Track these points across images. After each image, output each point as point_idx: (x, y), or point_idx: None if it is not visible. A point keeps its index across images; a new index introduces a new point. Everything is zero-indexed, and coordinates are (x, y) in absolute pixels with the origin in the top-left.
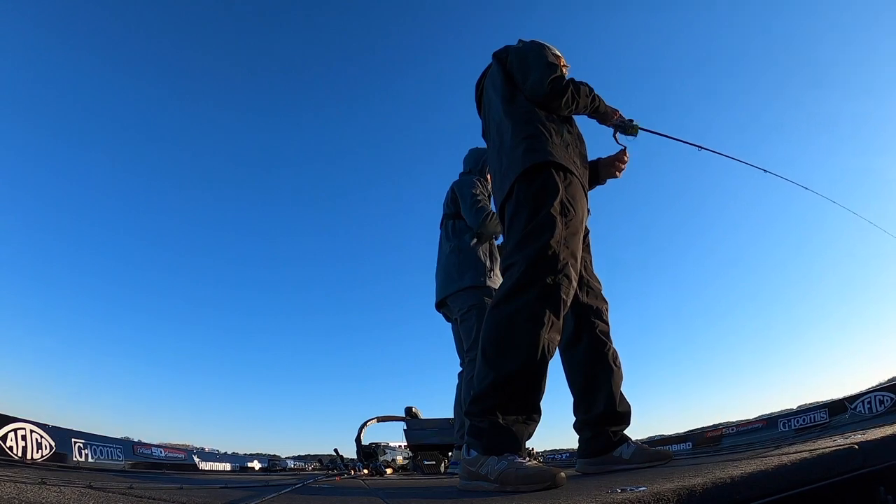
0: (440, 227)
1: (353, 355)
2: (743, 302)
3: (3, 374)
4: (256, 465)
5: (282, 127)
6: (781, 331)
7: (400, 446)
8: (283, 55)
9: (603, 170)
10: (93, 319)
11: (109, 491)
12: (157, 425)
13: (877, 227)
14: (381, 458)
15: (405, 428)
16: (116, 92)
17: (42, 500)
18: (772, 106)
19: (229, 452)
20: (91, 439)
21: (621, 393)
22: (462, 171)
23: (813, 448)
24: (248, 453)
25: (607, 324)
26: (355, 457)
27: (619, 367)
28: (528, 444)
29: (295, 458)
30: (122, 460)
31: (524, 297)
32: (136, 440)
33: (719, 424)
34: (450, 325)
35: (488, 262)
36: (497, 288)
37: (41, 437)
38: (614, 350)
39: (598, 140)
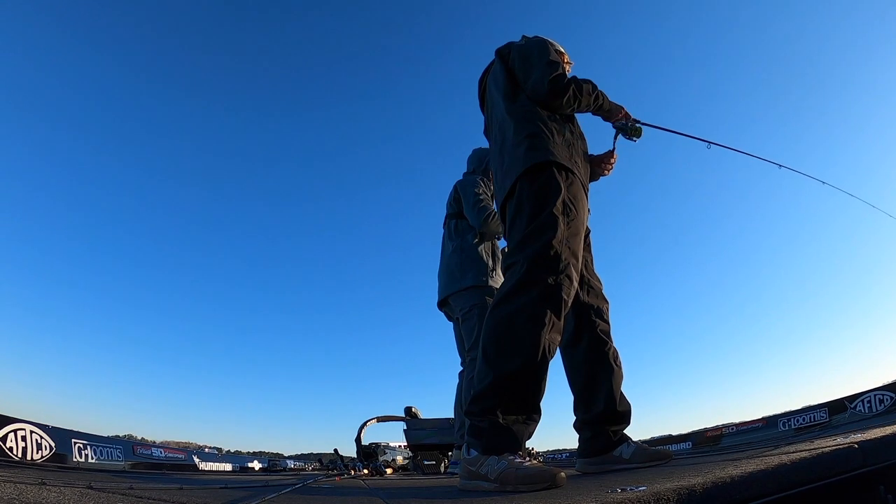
0: (443, 227)
1: (354, 355)
2: (748, 300)
3: (4, 375)
4: (256, 465)
5: (284, 126)
6: (787, 330)
7: (400, 446)
8: (286, 55)
9: (593, 168)
10: (94, 319)
11: (109, 491)
12: (159, 424)
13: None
14: (381, 458)
15: (405, 428)
16: (118, 90)
17: (42, 501)
18: (779, 101)
19: (232, 451)
20: (91, 440)
21: (621, 392)
22: (466, 170)
23: (813, 447)
24: (251, 451)
25: (608, 323)
26: (355, 457)
27: (620, 367)
28: (528, 444)
29: (297, 458)
30: (122, 461)
31: (525, 297)
32: (139, 438)
33: (719, 424)
34: (451, 324)
35: (490, 262)
36: (498, 287)
37: (41, 437)
38: (615, 349)
39: (600, 138)
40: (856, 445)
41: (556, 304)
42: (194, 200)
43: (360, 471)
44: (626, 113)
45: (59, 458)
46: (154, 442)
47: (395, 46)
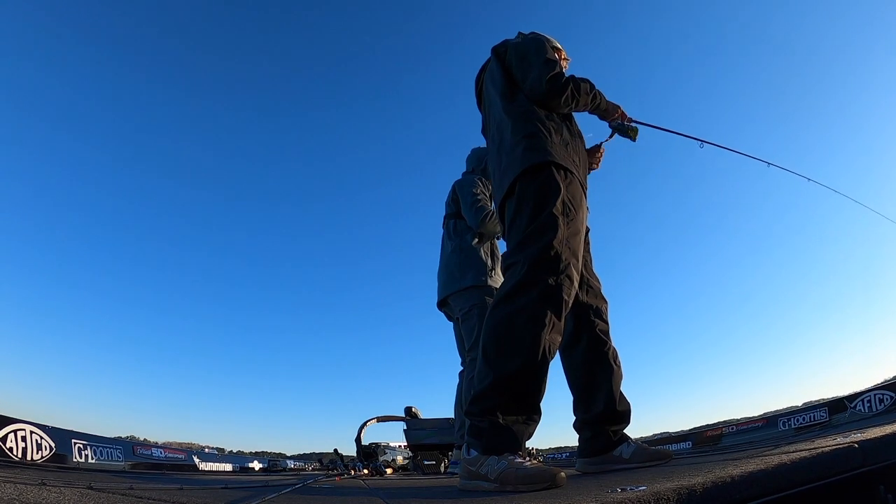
0: (442, 227)
1: (354, 355)
2: (747, 298)
3: (6, 376)
4: (256, 465)
5: (286, 128)
6: (786, 328)
7: (400, 446)
8: (286, 56)
9: None
10: (96, 320)
11: (109, 492)
12: (161, 425)
13: (884, 218)
14: (381, 458)
15: (405, 428)
16: (118, 90)
17: (42, 501)
18: (774, 100)
19: (234, 452)
20: (91, 440)
21: (621, 392)
22: (465, 170)
23: (813, 447)
24: (253, 452)
25: (607, 323)
26: (355, 456)
27: (619, 367)
28: (529, 444)
29: (299, 458)
30: (122, 461)
31: (525, 298)
32: (141, 440)
33: (719, 423)
34: (451, 324)
35: (490, 262)
36: (498, 287)
37: (41, 438)
38: (614, 349)
39: (598, 137)
40: (856, 445)
41: (556, 304)
42: (194, 201)
43: (360, 471)
44: (623, 112)
45: (59, 459)
46: (156, 443)
47: (393, 46)
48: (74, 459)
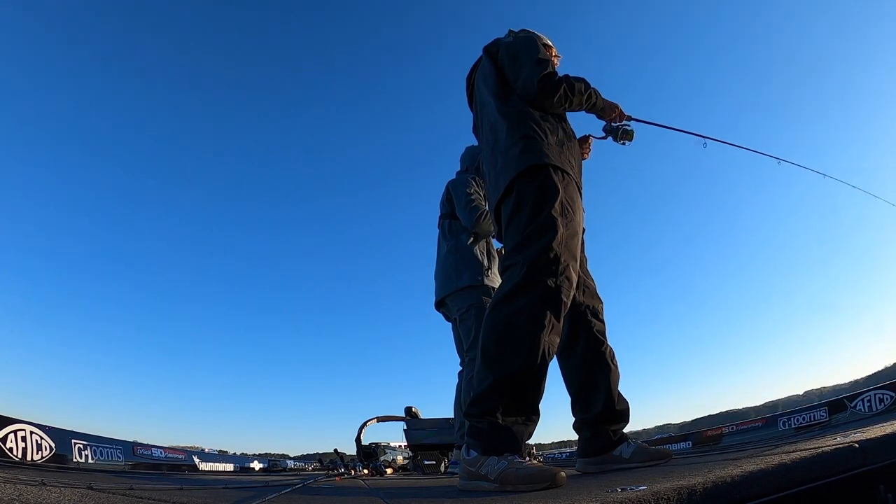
0: (438, 227)
1: (354, 355)
2: (748, 290)
3: (6, 377)
4: (257, 465)
5: (283, 129)
6: (786, 318)
7: (400, 446)
8: (280, 57)
9: None
10: (98, 325)
11: (109, 492)
12: (163, 429)
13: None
14: (381, 458)
15: (405, 428)
16: (113, 93)
17: (42, 502)
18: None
19: (238, 454)
20: (91, 440)
21: (619, 391)
22: (459, 169)
23: (813, 447)
24: (256, 454)
25: (603, 322)
26: (355, 456)
27: (617, 366)
28: (530, 441)
29: (301, 459)
30: (122, 461)
31: (525, 299)
32: (142, 442)
33: (720, 413)
34: (449, 324)
35: (486, 261)
36: (495, 286)
37: (41, 438)
38: (611, 349)
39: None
40: (856, 445)
41: (555, 305)
42: (194, 201)
43: (360, 471)
44: (621, 111)
45: (59, 459)
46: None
47: (391, 46)
48: (74, 459)
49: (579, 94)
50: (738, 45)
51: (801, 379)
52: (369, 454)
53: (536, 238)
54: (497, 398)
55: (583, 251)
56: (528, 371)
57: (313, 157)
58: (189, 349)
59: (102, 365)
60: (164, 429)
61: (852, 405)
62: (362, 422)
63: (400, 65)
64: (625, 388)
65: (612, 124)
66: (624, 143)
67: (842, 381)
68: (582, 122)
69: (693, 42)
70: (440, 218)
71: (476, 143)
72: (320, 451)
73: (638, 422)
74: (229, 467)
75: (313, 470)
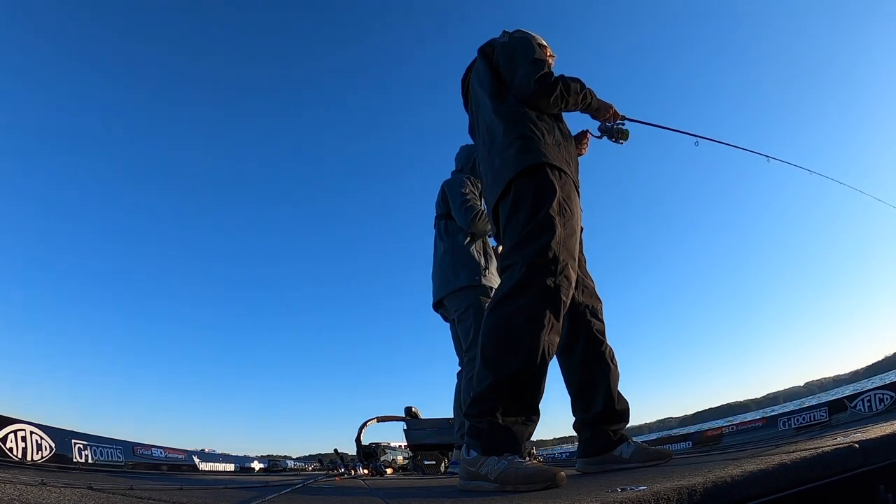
0: (434, 227)
1: (354, 355)
2: (747, 285)
3: (7, 378)
4: (257, 465)
5: (280, 130)
6: (785, 311)
7: (400, 446)
8: (275, 60)
9: None
10: (100, 329)
11: (109, 492)
12: (165, 433)
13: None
14: (381, 458)
15: (405, 428)
16: (113, 95)
17: (42, 501)
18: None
19: (240, 455)
20: (91, 440)
21: (619, 391)
22: (454, 168)
23: (813, 447)
24: (259, 456)
25: (603, 322)
26: (355, 456)
27: (616, 366)
28: (530, 442)
29: (302, 459)
30: (122, 461)
31: (524, 299)
32: (142, 443)
33: (721, 405)
34: (448, 324)
35: (483, 261)
36: (493, 286)
37: (41, 438)
38: (611, 348)
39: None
40: (856, 445)
41: (555, 305)
42: (191, 205)
43: (360, 471)
44: (615, 111)
45: (59, 459)
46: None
47: (384, 47)
48: (74, 459)
49: (575, 94)
50: (731, 46)
51: (802, 370)
52: (369, 454)
53: (534, 238)
54: (497, 398)
55: (581, 251)
56: (528, 371)
57: (313, 158)
58: (189, 350)
59: (103, 368)
60: (165, 432)
61: (852, 405)
62: (362, 422)
63: (399, 65)
64: (626, 383)
65: (607, 124)
66: (619, 143)
67: (842, 372)
68: (577, 123)
69: (686, 42)
70: (436, 219)
71: (470, 142)
72: (321, 452)
73: (640, 416)
74: (230, 467)
75: (313, 470)
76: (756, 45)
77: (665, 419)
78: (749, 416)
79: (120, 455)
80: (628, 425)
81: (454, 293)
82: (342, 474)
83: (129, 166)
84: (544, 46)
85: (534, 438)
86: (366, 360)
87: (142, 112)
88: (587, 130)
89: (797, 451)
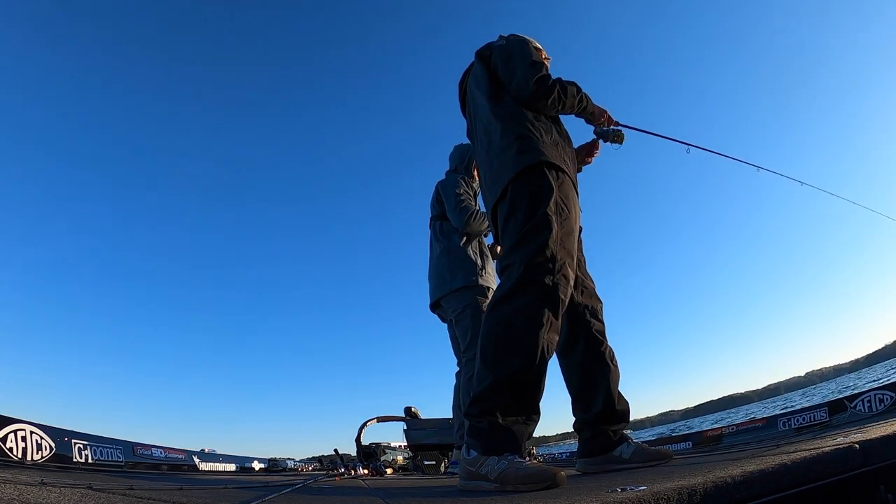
0: (429, 228)
1: (354, 355)
2: (746, 278)
3: (7, 379)
4: (256, 465)
5: (278, 131)
6: (784, 302)
7: (400, 446)
8: (275, 60)
9: (578, 159)
10: (101, 331)
11: (110, 492)
12: (166, 435)
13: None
14: (381, 458)
15: (405, 428)
16: (113, 97)
17: (42, 501)
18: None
19: (240, 456)
20: (91, 440)
21: (619, 391)
22: (448, 168)
23: (813, 447)
24: (260, 457)
25: (603, 323)
26: (355, 456)
27: (616, 366)
28: (530, 442)
29: (303, 460)
30: (122, 461)
31: (523, 298)
32: (142, 443)
33: (721, 401)
34: (446, 325)
35: (479, 261)
36: (489, 286)
37: (41, 437)
38: (611, 349)
39: (585, 137)
40: (856, 445)
41: (554, 304)
42: (190, 208)
43: (360, 471)
44: (609, 116)
45: (59, 459)
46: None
47: (381, 48)
48: (74, 459)
49: (572, 97)
50: (725, 54)
51: (802, 360)
52: (369, 454)
53: (532, 237)
54: (497, 398)
55: (581, 251)
56: (528, 370)
57: (313, 158)
58: (188, 359)
59: (103, 368)
60: (166, 436)
61: (852, 405)
62: (362, 422)
63: (399, 65)
64: (627, 377)
65: (602, 128)
66: (615, 146)
67: (842, 361)
68: (574, 129)
69: (678, 50)
70: (431, 219)
71: (465, 142)
72: (323, 455)
73: (642, 410)
74: (230, 467)
75: (313, 470)
76: (756, 43)
77: (667, 412)
78: (752, 408)
79: (120, 455)
80: (630, 418)
81: (451, 294)
82: (342, 474)
83: (129, 166)
84: (540, 49)
85: (536, 434)
86: (365, 360)
87: (142, 112)
88: (598, 139)
89: (797, 452)
